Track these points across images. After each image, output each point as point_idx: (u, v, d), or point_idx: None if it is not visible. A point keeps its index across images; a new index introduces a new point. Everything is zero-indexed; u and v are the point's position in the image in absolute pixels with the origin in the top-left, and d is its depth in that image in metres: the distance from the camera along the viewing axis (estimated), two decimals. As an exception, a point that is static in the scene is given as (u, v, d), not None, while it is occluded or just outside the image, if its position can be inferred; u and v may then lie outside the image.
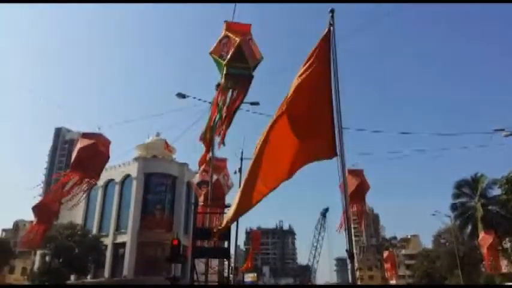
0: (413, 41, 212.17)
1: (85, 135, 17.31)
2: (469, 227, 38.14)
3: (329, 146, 5.16)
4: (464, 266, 41.29)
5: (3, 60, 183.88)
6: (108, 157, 17.27)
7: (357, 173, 21.79)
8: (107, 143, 17.06)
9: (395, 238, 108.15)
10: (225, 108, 11.21)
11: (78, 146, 17.04)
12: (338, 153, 5.13)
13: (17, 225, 74.87)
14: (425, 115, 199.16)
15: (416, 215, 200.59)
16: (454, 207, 39.56)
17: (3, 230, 75.21)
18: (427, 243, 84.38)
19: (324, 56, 5.43)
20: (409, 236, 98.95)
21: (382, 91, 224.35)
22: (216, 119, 11.88)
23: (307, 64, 5.30)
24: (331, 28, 5.61)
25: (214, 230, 12.82)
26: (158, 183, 49.78)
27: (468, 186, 39.04)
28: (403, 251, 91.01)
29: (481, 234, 31.74)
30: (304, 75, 5.26)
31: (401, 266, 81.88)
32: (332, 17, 5.69)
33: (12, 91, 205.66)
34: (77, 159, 16.48)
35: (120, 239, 46.89)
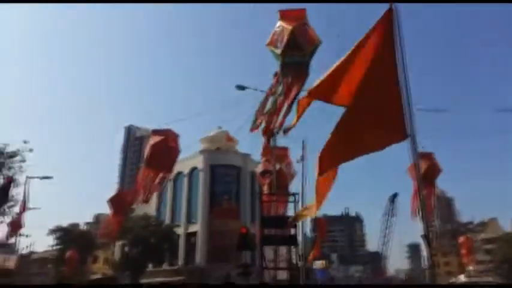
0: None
1: (155, 132, 18.12)
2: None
3: (399, 128, 4.88)
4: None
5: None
6: (179, 151, 17.96)
7: (426, 157, 20.75)
8: (176, 137, 17.72)
9: (471, 223, 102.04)
10: (281, 98, 11.10)
11: (150, 142, 17.87)
12: (409, 135, 4.84)
13: (97, 218, 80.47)
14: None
15: (495, 197, 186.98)
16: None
17: (86, 223, 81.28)
18: (507, 227, 78.72)
19: (385, 34, 5.11)
20: (486, 220, 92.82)
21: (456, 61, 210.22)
22: (270, 107, 11.79)
23: (368, 38, 5.02)
24: (392, 4, 5.27)
25: (290, 219, 12.84)
26: (223, 174, 51.03)
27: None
28: (481, 235, 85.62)
29: None
30: (364, 49, 4.99)
31: (479, 251, 77.21)
32: None
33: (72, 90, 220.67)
34: (150, 155, 17.32)
35: (192, 228, 48.86)
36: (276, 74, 11.88)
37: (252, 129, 14.64)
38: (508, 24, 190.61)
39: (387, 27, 5.08)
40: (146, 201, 17.47)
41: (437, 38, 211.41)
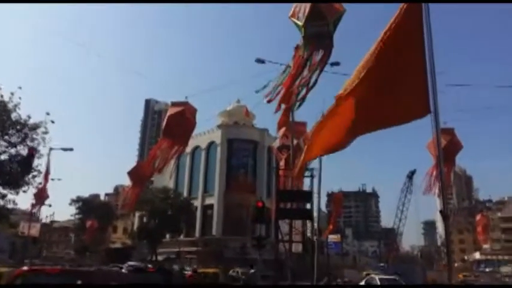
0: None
1: (174, 104, 18.21)
2: None
3: (422, 103, 4.75)
4: None
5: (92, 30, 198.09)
6: (195, 124, 18.04)
7: (447, 132, 20.30)
8: (193, 110, 17.78)
9: (490, 201, 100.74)
10: (306, 69, 10.86)
11: (168, 113, 17.99)
12: (432, 110, 4.71)
13: (117, 189, 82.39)
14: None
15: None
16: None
17: (106, 195, 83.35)
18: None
19: (413, 11, 4.90)
20: (506, 198, 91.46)
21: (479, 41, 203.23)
22: (296, 81, 11.57)
23: (395, 19, 4.84)
24: None
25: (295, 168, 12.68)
26: (241, 148, 51.32)
27: None
28: (499, 214, 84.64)
29: None
30: (390, 30, 4.82)
31: (496, 230, 76.55)
32: None
33: (100, 64, 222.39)
34: (167, 126, 17.46)
35: (208, 201, 49.70)
36: (296, 47, 11.65)
37: (269, 100, 14.08)
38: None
39: (412, 8, 4.89)
40: (160, 170, 17.71)
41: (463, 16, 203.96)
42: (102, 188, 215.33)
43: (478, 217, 59.43)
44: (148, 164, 18.36)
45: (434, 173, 20.32)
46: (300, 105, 12.17)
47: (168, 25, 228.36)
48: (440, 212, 4.65)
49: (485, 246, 70.59)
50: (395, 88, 4.85)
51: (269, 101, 13.42)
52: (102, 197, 77.64)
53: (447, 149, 19.66)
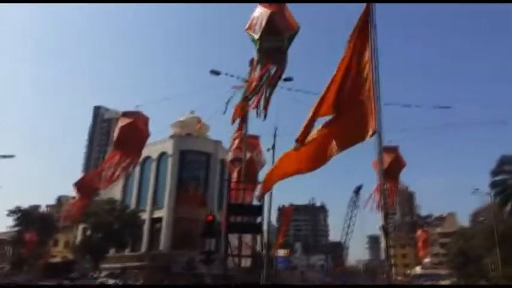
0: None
1: (125, 114, 17.76)
2: (510, 205, 36.92)
3: (367, 124, 5.03)
4: (504, 244, 40.09)
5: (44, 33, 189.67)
6: (148, 135, 17.71)
7: (392, 150, 21.31)
8: (146, 120, 17.45)
9: (430, 216, 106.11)
10: (253, 84, 11.03)
11: (119, 124, 17.51)
12: (376, 130, 4.99)
13: (60, 200, 78.47)
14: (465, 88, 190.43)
15: (454, 193, 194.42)
16: (494, 184, 38.33)
17: (48, 206, 79.06)
18: (465, 222, 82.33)
19: (364, 31, 5.22)
20: (444, 215, 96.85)
21: (419, 64, 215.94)
22: (247, 92, 11.70)
23: (350, 41, 5.14)
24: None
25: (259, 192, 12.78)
26: (193, 160, 50.72)
27: (510, 164, 37.62)
28: (438, 229, 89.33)
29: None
30: (346, 54, 5.12)
31: (435, 245, 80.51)
32: None
33: (52, 63, 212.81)
34: (119, 138, 16.97)
35: (157, 214, 48.35)
36: (252, 61, 11.84)
37: (233, 119, 14.20)
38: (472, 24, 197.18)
39: (363, 27, 5.18)
40: (112, 181, 17.14)
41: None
42: (44, 199, 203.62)
43: (419, 232, 62.45)
44: (97, 175, 17.73)
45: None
46: (265, 117, 12.36)
47: (121, 31, 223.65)
48: (381, 227, 4.89)
49: (426, 260, 74.01)
50: (352, 109, 5.12)
51: (233, 121, 13.54)
52: (43, 208, 73.55)
53: (391, 166, 20.61)
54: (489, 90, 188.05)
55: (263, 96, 10.97)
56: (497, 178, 38.12)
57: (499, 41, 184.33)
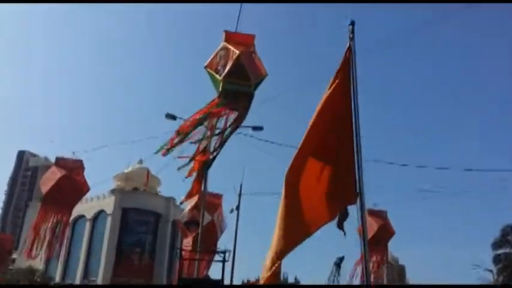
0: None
1: (59, 161, 17.51)
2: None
3: (350, 187, 5.18)
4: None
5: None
6: (87, 189, 17.47)
7: (379, 215, 21.70)
8: (82, 170, 17.28)
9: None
10: (209, 131, 11.21)
11: (51, 175, 17.20)
12: (358, 191, 5.12)
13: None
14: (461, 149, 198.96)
15: (453, 266, 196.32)
16: (497, 259, 39.07)
17: None
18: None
19: (344, 77, 5.52)
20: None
21: (409, 116, 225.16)
22: (203, 137, 11.79)
23: (330, 87, 5.41)
24: (351, 44, 5.70)
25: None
26: (138, 221, 49.63)
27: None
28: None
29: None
30: (324, 102, 5.36)
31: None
32: (352, 31, 5.77)
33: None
34: (50, 191, 16.62)
35: (89, 288, 46.51)
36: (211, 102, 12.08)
37: (164, 152, 13.67)
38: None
39: (345, 71, 5.50)
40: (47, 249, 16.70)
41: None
42: None
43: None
44: (11, 240, 17.11)
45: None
46: (208, 167, 12.43)
47: (57, 68, 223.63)
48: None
49: None
50: (332, 171, 5.28)
51: (190, 174, 13.43)
52: None
53: (379, 234, 20.95)
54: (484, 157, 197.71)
55: (218, 144, 11.09)
56: (500, 251, 38.96)
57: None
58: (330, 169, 5.28)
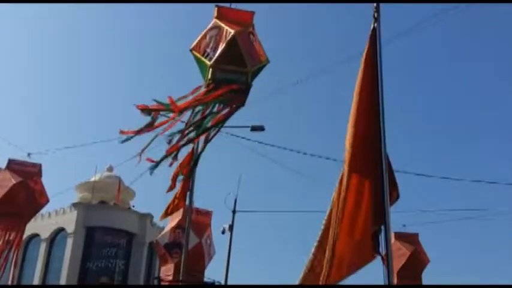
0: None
1: (11, 165, 17.59)
2: None
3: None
4: None
5: None
6: (46, 200, 17.55)
7: (409, 240, 21.64)
8: (40, 177, 17.42)
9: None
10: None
11: (1, 182, 17.29)
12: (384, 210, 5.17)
13: None
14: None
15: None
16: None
17: None
18: None
19: (370, 68, 5.55)
20: None
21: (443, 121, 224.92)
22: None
23: (360, 83, 5.47)
24: (376, 26, 5.66)
25: None
26: (106, 242, 49.60)
27: None
28: None
29: None
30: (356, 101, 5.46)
31: None
32: (377, 9, 5.73)
33: None
34: (1, 201, 16.72)
35: (43, 326, 46.53)
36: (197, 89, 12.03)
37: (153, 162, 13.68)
38: None
39: (370, 57, 5.51)
40: None
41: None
42: None
43: None
44: None
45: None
46: (195, 165, 12.41)
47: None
48: None
49: None
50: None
51: (173, 186, 13.32)
52: None
53: (410, 264, 20.86)
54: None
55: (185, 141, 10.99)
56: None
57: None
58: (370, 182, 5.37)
